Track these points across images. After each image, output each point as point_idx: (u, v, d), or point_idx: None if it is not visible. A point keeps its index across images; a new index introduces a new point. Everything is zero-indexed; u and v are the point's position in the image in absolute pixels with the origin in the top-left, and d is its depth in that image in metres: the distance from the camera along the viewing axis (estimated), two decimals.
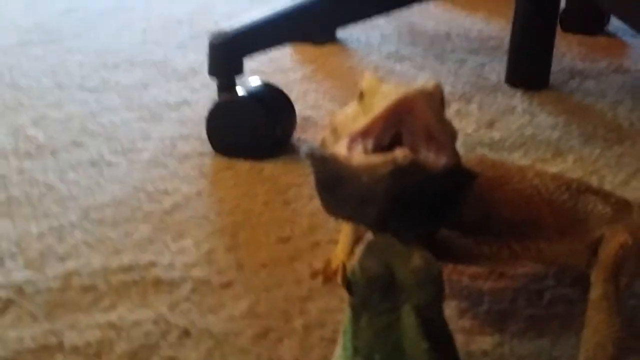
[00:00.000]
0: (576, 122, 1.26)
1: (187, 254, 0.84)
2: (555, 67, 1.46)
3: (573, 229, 0.70)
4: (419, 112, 0.57)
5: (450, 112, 1.30)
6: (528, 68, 1.43)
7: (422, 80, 0.61)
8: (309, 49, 1.63)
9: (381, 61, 1.56)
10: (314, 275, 0.80)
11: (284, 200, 0.98)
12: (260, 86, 1.14)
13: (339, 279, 0.79)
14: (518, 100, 1.36)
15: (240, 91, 1.11)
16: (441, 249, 0.67)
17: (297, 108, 1.30)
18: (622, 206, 0.72)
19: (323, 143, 0.65)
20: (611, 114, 1.29)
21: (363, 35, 1.73)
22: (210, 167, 1.08)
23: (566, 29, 1.77)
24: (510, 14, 1.41)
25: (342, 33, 1.71)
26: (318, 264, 0.82)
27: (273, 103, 1.13)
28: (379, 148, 0.59)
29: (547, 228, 0.69)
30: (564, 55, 1.60)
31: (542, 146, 1.16)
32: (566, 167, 1.09)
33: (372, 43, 1.68)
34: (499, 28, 1.79)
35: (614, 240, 0.69)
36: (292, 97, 1.37)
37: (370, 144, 0.59)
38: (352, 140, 0.60)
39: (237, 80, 1.13)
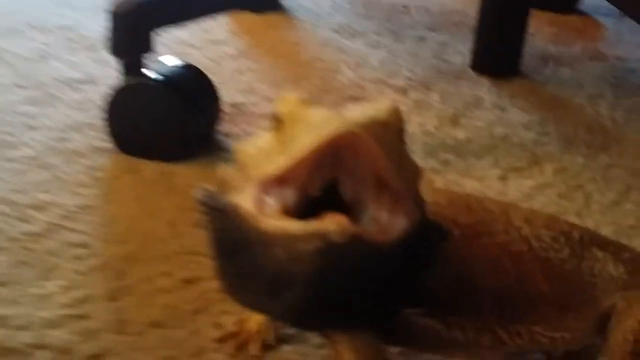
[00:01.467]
0: (553, 120, 1.08)
1: (49, 305, 0.62)
2: (525, 50, 1.27)
3: (576, 300, 0.51)
4: (366, 153, 0.37)
5: (408, 102, 1.10)
6: (497, 52, 1.23)
7: (371, 104, 0.39)
8: (248, 18, 1.40)
9: (330, 36, 1.35)
10: (222, 339, 0.60)
11: (195, 220, 0.76)
12: (176, 68, 0.91)
13: (253, 348, 0.58)
14: (485, 90, 1.17)
15: (149, 74, 0.88)
16: (399, 332, 0.48)
17: (227, 92, 1.08)
18: (639, 265, 0.54)
19: (225, 183, 0.44)
20: (592, 111, 1.11)
21: (311, 3, 1.51)
22: (106, 171, 0.86)
23: (534, 5, 1.59)
24: None
25: (288, 0, 1.48)
26: (230, 322, 0.61)
27: (190, 89, 0.90)
28: (304, 203, 0.39)
29: (542, 300, 0.50)
30: (533, 36, 1.41)
31: (516, 151, 0.98)
32: (545, 179, 0.91)
33: (321, 14, 1.46)
34: (462, 1, 1.59)
35: (630, 318, 0.51)
36: (223, 77, 1.15)
37: (290, 196, 0.39)
38: (264, 189, 0.40)
39: (146, 60, 0.90)
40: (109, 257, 0.69)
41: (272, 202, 0.40)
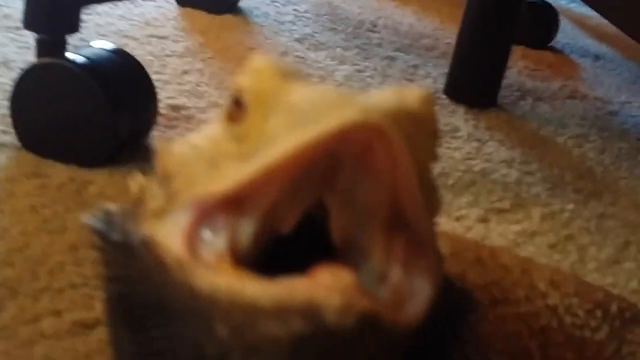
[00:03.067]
0: (536, 159, 0.96)
1: None
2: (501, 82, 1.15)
3: None
4: (386, 164, 0.23)
5: None
6: (474, 80, 1.12)
7: (391, 89, 0.23)
8: (201, 17, 1.25)
9: (292, 45, 1.20)
10: None
11: None
12: (105, 52, 0.75)
13: None
14: (461, 119, 1.04)
15: (69, 55, 0.71)
16: None
17: (167, 92, 0.92)
18: None
19: (138, 202, 0.28)
20: (578, 154, 1.00)
21: (272, 10, 1.37)
22: (3, 171, 0.68)
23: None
24: (445, 11, 1.10)
25: (246, 2, 1.33)
26: None
27: (120, 80, 0.73)
28: (267, 237, 0.24)
29: None
30: (509, 69, 1.31)
31: (498, 190, 0.85)
32: (532, 225, 0.78)
33: (283, 20, 1.32)
34: (432, 27, 1.48)
35: None
36: (165, 76, 0.99)
37: (245, 230, 0.23)
38: (203, 217, 0.24)
39: (69, 40, 0.73)
40: None
41: (214, 241, 0.24)
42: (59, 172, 0.69)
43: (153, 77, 0.79)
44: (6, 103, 0.75)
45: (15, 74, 0.89)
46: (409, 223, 0.24)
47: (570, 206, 0.83)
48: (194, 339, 0.24)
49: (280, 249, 0.24)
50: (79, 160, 0.71)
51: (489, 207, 0.80)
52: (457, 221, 0.75)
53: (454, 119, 1.03)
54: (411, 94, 0.25)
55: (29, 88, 0.72)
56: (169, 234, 0.24)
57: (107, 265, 0.29)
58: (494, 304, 0.36)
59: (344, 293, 0.20)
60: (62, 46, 0.72)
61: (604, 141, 1.04)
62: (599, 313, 0.38)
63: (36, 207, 0.63)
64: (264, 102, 0.24)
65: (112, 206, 0.30)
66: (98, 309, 0.51)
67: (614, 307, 0.39)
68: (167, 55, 1.07)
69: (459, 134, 0.99)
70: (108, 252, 0.28)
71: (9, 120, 0.73)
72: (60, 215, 0.62)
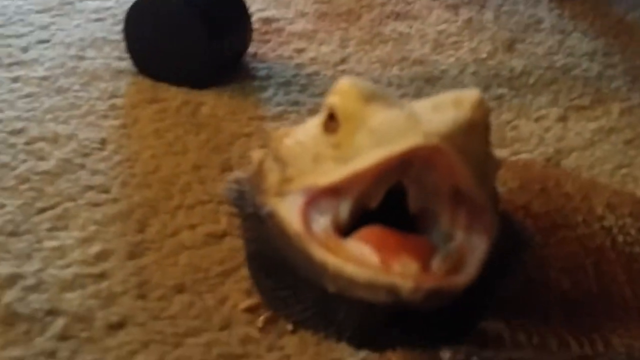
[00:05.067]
0: (619, 49, 0.96)
1: (64, 262, 0.56)
2: None
3: None
4: (446, 168, 0.29)
5: (458, 22, 0.99)
6: None
7: (449, 96, 0.30)
8: None
9: None
10: (252, 309, 0.54)
11: (223, 163, 0.69)
12: None
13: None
14: (545, 9, 1.04)
15: None
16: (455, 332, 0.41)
17: (257, 4, 0.98)
18: None
19: (259, 173, 0.36)
20: None
21: None
22: (125, 98, 0.78)
23: None
24: None
25: None
26: None
27: (217, 6, 0.80)
28: (360, 211, 0.31)
29: (623, 305, 0.43)
30: None
31: (578, 86, 0.87)
32: (610, 122, 0.81)
33: None
34: None
35: None
36: None
37: (344, 210, 0.31)
38: (313, 201, 0.32)
39: None
40: (128, 204, 0.63)
41: (321, 219, 0.32)
42: (173, 95, 0.78)
43: None
44: (118, 29, 0.84)
45: None
46: (466, 197, 0.31)
47: None
48: (310, 286, 0.33)
49: (374, 217, 0.32)
50: (188, 83, 0.80)
51: (568, 105, 0.83)
52: (536, 122, 0.80)
53: (538, 10, 1.04)
54: (467, 99, 0.31)
55: (139, 18, 0.80)
56: (289, 211, 0.33)
57: (244, 229, 0.38)
58: (555, 229, 0.42)
59: (414, 278, 0.29)
60: None
61: None
62: None
63: (159, 131, 0.73)
64: (351, 119, 0.32)
65: (239, 176, 0.39)
66: (223, 222, 0.61)
67: None
68: None
69: (542, 26, 1.00)
70: (243, 218, 0.37)
71: (123, 47, 0.82)
72: (181, 137, 0.72)
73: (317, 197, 0.32)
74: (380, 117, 0.31)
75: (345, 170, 0.31)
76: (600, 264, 0.43)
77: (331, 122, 0.33)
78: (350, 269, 0.30)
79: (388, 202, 0.32)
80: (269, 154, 0.37)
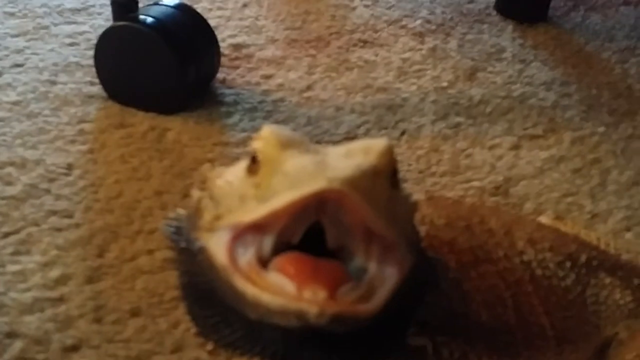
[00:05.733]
0: (576, 78, 1.00)
1: (23, 285, 0.59)
2: None
3: (576, 333, 0.47)
4: (353, 209, 0.33)
5: (423, 50, 1.03)
6: None
7: (360, 144, 0.34)
8: None
9: None
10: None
11: (186, 189, 0.72)
12: (171, 9, 0.84)
13: None
14: (508, 38, 1.08)
15: (140, 16, 0.82)
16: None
17: (228, 29, 1.01)
18: None
19: (197, 210, 0.40)
20: (620, 70, 1.03)
21: None
22: (94, 123, 0.81)
23: None
24: None
25: None
26: None
27: (184, 35, 0.83)
28: (284, 247, 0.35)
29: (540, 335, 0.46)
30: None
31: (533, 115, 0.91)
32: (560, 151, 0.85)
33: None
34: None
35: (631, 349, 0.47)
36: (225, 12, 1.08)
37: (267, 244, 0.35)
38: (238, 237, 0.35)
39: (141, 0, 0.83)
40: (90, 229, 0.65)
41: (246, 253, 0.35)
42: (141, 120, 0.81)
43: (214, 13, 0.86)
44: (91, 54, 0.87)
45: (94, 21, 1.01)
46: (377, 235, 0.34)
47: (602, 129, 0.89)
48: (236, 315, 0.36)
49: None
50: (157, 108, 0.83)
51: (522, 134, 0.87)
52: (490, 150, 0.84)
53: (501, 39, 1.08)
54: (375, 148, 0.35)
55: (109, 46, 0.83)
56: (217, 246, 0.36)
57: (178, 262, 0.41)
58: (477, 264, 0.46)
59: (319, 304, 0.32)
60: (134, 6, 0.82)
61: None
62: (568, 264, 0.48)
63: (125, 156, 0.76)
64: (269, 163, 0.35)
65: (179, 212, 0.42)
66: None
67: (583, 257, 0.49)
68: None
69: (504, 55, 1.04)
70: (178, 252, 0.40)
71: (95, 72, 0.85)
72: (146, 162, 0.75)
73: (242, 233, 0.35)
74: (294, 162, 0.34)
75: (264, 209, 0.34)
76: (519, 296, 0.46)
77: (254, 164, 0.36)
78: (265, 298, 0.33)
79: (310, 238, 0.35)
80: (206, 193, 0.40)
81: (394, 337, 0.39)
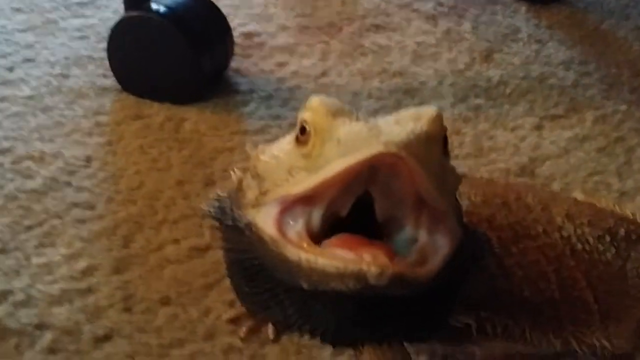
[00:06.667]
0: (594, 57, 0.99)
1: (52, 278, 0.58)
2: None
3: (619, 306, 0.46)
4: (406, 175, 0.32)
5: (437, 33, 1.02)
6: None
7: (410, 112, 0.33)
8: None
9: None
10: (235, 320, 0.56)
11: (206, 178, 0.71)
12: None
13: (268, 331, 0.54)
14: (522, 18, 1.07)
15: (153, 6, 0.80)
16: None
17: (239, 18, 1.00)
18: None
19: (239, 190, 0.39)
20: (637, 47, 1.02)
21: None
22: (110, 115, 0.79)
23: None
24: None
25: None
26: None
27: (199, 24, 0.82)
28: (332, 219, 0.34)
29: (583, 309, 0.45)
30: None
31: (554, 95, 0.90)
32: (583, 130, 0.83)
33: None
34: None
35: None
36: (234, 1, 1.06)
37: (316, 217, 0.34)
38: (287, 209, 0.34)
39: None
40: (113, 220, 0.64)
41: (295, 225, 0.34)
42: (157, 111, 0.80)
43: (225, 3, 0.85)
44: (102, 46, 0.86)
45: (102, 14, 1.00)
46: (429, 205, 0.33)
47: (624, 107, 0.88)
48: (286, 287, 0.35)
49: (344, 226, 0.34)
50: (172, 99, 0.81)
51: (543, 114, 0.86)
52: (512, 132, 0.82)
53: (515, 20, 1.06)
54: (425, 115, 0.34)
55: (122, 38, 0.82)
56: (265, 220, 0.35)
57: (224, 240, 0.40)
58: (517, 240, 0.44)
59: (379, 265, 0.32)
60: None
61: None
62: (607, 238, 0.47)
63: (143, 147, 0.74)
64: (320, 132, 0.34)
65: (220, 194, 0.41)
66: (207, 236, 0.63)
67: (621, 231, 0.47)
68: None
69: (519, 35, 1.02)
70: (224, 231, 0.39)
71: (107, 64, 0.84)
72: (165, 153, 0.74)
73: (291, 206, 0.35)
74: (346, 129, 0.33)
75: (317, 178, 0.33)
76: (561, 271, 0.45)
77: (302, 135, 0.35)
78: (322, 262, 0.33)
79: (358, 211, 0.34)
80: (248, 172, 0.39)
81: (443, 310, 0.38)
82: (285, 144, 0.37)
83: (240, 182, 0.39)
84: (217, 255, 0.61)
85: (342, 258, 0.32)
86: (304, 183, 0.34)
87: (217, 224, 0.40)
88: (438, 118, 0.34)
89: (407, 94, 0.88)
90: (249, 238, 0.36)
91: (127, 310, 0.56)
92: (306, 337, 0.38)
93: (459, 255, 0.35)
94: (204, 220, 0.65)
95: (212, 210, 0.40)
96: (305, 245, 0.34)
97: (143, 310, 0.56)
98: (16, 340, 0.53)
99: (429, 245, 0.34)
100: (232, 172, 0.41)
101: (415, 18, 1.05)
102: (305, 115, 0.35)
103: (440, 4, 1.09)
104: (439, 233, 0.34)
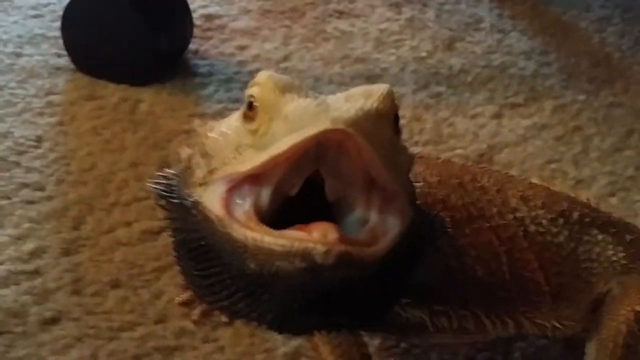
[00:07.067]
0: (555, 47, 0.99)
1: None
2: None
3: (570, 288, 0.46)
4: (355, 153, 0.31)
5: (400, 20, 1.01)
6: None
7: (361, 88, 0.32)
8: None
9: None
10: (187, 303, 0.55)
11: (161, 160, 0.69)
12: None
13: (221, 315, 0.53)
14: (485, 8, 1.07)
15: None
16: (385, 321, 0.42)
17: (199, 1, 0.98)
18: None
19: (187, 168, 0.37)
20: (597, 39, 1.03)
21: None
22: (63, 95, 0.77)
23: None
24: None
25: None
26: None
27: (156, 4, 0.80)
28: (279, 201, 0.33)
29: (534, 290, 0.45)
30: None
31: (514, 84, 0.90)
32: (542, 119, 0.84)
33: None
34: None
35: (625, 305, 0.47)
36: None
37: (264, 196, 0.33)
38: (234, 187, 0.33)
39: None
40: (63, 202, 0.62)
41: (243, 204, 0.33)
42: (111, 92, 0.78)
43: None
44: (56, 25, 0.83)
45: None
46: (379, 185, 0.33)
47: (582, 97, 0.88)
48: (233, 269, 0.34)
49: (293, 207, 0.33)
50: (128, 80, 0.79)
51: (503, 103, 0.86)
52: (472, 119, 0.82)
53: (478, 10, 1.06)
54: (376, 91, 0.33)
55: (78, 14, 0.79)
56: (212, 199, 0.34)
57: (170, 219, 0.38)
58: (471, 221, 0.44)
59: (326, 243, 0.31)
60: None
61: (625, 24, 1.06)
62: (560, 221, 0.47)
63: (97, 129, 0.72)
64: (268, 108, 0.33)
65: (167, 171, 0.39)
66: (158, 218, 0.61)
67: (575, 214, 0.48)
68: None
69: (482, 25, 1.02)
70: (170, 209, 0.38)
71: (61, 43, 0.81)
72: (119, 134, 0.72)
73: (239, 184, 0.34)
74: (294, 105, 0.33)
75: (264, 156, 0.32)
76: (513, 252, 0.45)
77: (250, 111, 0.34)
78: (268, 240, 0.32)
79: (308, 191, 0.33)
80: (197, 150, 0.37)
81: (393, 293, 0.38)
82: (233, 121, 0.36)
83: (188, 159, 0.38)
84: (168, 238, 0.60)
85: (290, 236, 0.31)
86: (252, 161, 0.33)
87: (162, 202, 0.39)
88: (389, 95, 0.34)
89: (369, 80, 0.88)
90: (196, 217, 0.35)
91: (76, 292, 0.55)
92: (254, 324, 0.37)
93: (410, 235, 0.35)
94: (157, 203, 0.64)
95: (157, 188, 0.39)
96: (252, 224, 0.33)
97: (92, 293, 0.55)
98: None
99: (379, 226, 0.33)
100: (180, 150, 0.39)
101: (379, 5, 1.05)
102: (252, 90, 0.34)
103: None
104: (389, 213, 0.34)
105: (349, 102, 0.32)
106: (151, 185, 0.39)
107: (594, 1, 1.13)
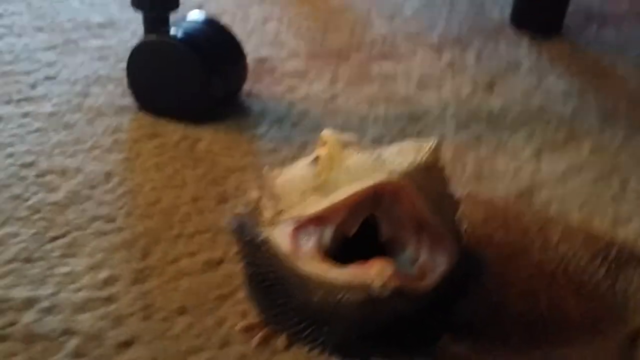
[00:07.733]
0: (593, 89, 1.03)
1: (73, 285, 0.61)
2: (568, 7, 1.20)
3: (606, 323, 0.49)
4: (407, 201, 0.36)
5: (441, 63, 1.06)
6: (540, 6, 1.17)
7: (412, 143, 0.37)
8: None
9: None
10: (248, 329, 0.59)
11: (220, 195, 0.74)
12: (199, 24, 0.87)
13: (280, 341, 0.57)
14: (524, 51, 1.11)
15: (171, 31, 0.84)
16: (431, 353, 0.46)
17: (251, 44, 1.04)
18: None
19: (256, 209, 0.42)
20: (635, 81, 1.06)
21: None
22: (128, 133, 0.83)
23: None
24: None
25: None
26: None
27: (213, 49, 0.86)
28: (339, 240, 0.37)
29: (571, 325, 0.48)
30: None
31: (553, 124, 0.93)
32: (580, 157, 0.87)
33: None
34: None
35: None
36: (247, 26, 1.11)
37: (326, 236, 0.37)
38: (301, 228, 0.38)
39: (169, 15, 0.85)
40: (132, 233, 0.67)
41: (308, 242, 0.39)
42: (173, 131, 0.84)
43: (237, 30, 0.89)
44: (120, 67, 0.90)
45: (121, 35, 1.04)
46: (427, 225, 0.37)
47: (620, 137, 0.91)
48: (299, 300, 0.38)
49: (351, 246, 0.38)
50: (187, 118, 0.85)
51: (542, 142, 0.89)
52: (512, 159, 0.86)
53: (518, 52, 1.10)
54: (426, 146, 0.38)
55: (142, 58, 0.86)
56: (281, 237, 0.39)
57: (243, 254, 0.43)
58: (513, 257, 0.48)
59: (383, 277, 0.36)
60: (165, 21, 0.85)
61: None
62: (600, 258, 0.50)
63: (159, 165, 0.78)
64: (331, 160, 0.39)
65: (239, 211, 0.44)
66: (220, 249, 0.66)
67: (613, 253, 0.51)
68: (248, 4, 1.18)
69: (520, 67, 1.06)
70: (242, 245, 0.43)
71: (125, 84, 0.87)
72: (180, 170, 0.77)
73: (305, 225, 0.38)
74: (354, 159, 0.38)
75: (327, 201, 0.37)
76: (552, 289, 0.48)
77: (317, 163, 0.39)
78: (332, 274, 0.37)
79: (364, 231, 0.38)
80: (264, 193, 0.43)
81: (439, 327, 0.42)
82: (298, 170, 0.41)
83: (257, 201, 0.43)
84: (230, 268, 0.65)
85: (350, 272, 0.36)
86: (317, 205, 0.38)
87: (235, 239, 0.44)
88: (437, 150, 0.38)
89: (411, 121, 0.92)
90: (265, 253, 0.40)
91: (147, 318, 0.59)
92: (317, 350, 0.42)
93: (457, 272, 0.39)
94: (217, 236, 0.68)
95: (231, 226, 0.44)
96: (317, 260, 0.37)
97: (161, 318, 0.59)
98: (44, 345, 0.55)
99: (428, 263, 0.38)
100: (249, 192, 0.44)
101: (421, 49, 1.10)
102: (320, 147, 0.39)
103: (445, 36, 1.14)
104: (438, 252, 0.39)
105: (402, 156, 0.37)
106: (226, 224, 0.44)
107: (631, 44, 1.17)
